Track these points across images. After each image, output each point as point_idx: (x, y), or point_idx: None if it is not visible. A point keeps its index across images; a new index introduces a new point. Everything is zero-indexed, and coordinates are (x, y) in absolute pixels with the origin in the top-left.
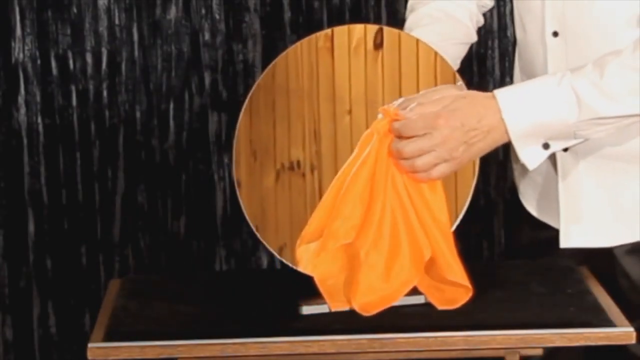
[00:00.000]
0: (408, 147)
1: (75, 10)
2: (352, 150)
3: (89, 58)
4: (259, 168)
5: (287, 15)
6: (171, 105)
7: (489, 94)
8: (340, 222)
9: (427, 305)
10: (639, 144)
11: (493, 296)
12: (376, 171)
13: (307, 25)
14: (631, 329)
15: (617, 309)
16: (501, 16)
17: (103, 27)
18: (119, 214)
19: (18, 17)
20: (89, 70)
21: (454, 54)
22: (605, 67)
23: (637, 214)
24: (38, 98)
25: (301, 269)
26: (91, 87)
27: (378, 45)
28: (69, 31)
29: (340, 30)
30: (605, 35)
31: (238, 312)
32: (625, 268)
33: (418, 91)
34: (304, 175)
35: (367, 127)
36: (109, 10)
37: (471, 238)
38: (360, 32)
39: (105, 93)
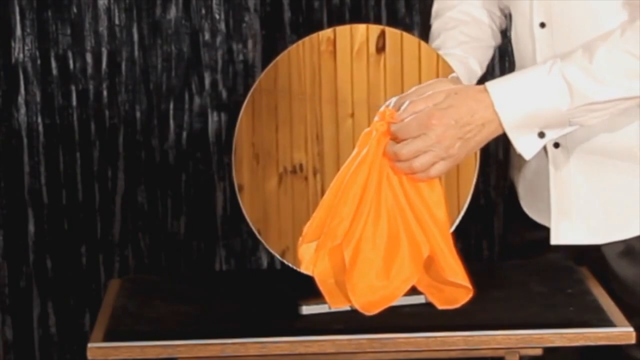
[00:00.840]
0: (404, 149)
1: (75, 10)
2: None
3: (89, 58)
4: (262, 171)
5: (287, 15)
6: (171, 105)
7: (480, 87)
8: (338, 221)
9: (427, 305)
10: (630, 141)
11: (493, 296)
12: (372, 170)
13: (307, 25)
14: (631, 329)
15: (617, 309)
16: None
17: (103, 27)
18: (119, 214)
19: (18, 17)
20: (89, 70)
21: (482, 57)
22: (594, 52)
23: (627, 212)
24: (38, 98)
25: (303, 269)
26: (91, 87)
27: (380, 49)
28: (69, 31)
29: (342, 31)
30: (592, 25)
31: (238, 312)
32: (616, 270)
33: None
34: (306, 178)
35: None
36: (109, 10)
37: (471, 238)
38: (363, 34)
39: (105, 93)
